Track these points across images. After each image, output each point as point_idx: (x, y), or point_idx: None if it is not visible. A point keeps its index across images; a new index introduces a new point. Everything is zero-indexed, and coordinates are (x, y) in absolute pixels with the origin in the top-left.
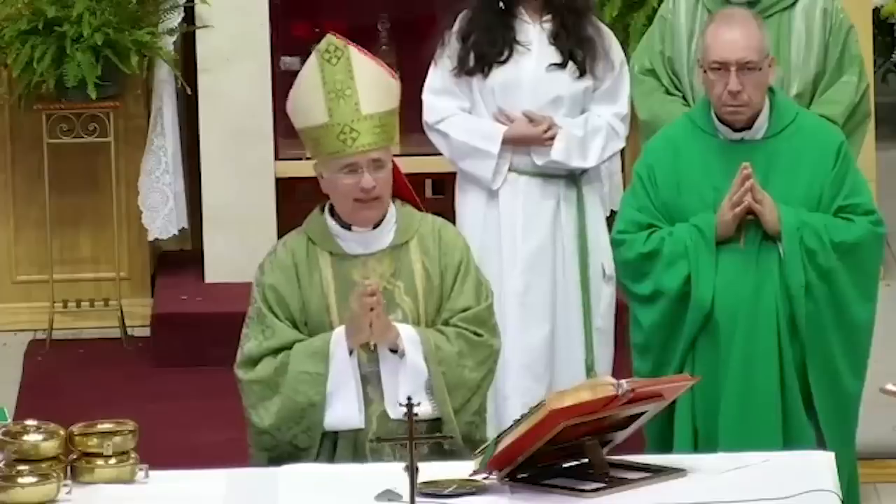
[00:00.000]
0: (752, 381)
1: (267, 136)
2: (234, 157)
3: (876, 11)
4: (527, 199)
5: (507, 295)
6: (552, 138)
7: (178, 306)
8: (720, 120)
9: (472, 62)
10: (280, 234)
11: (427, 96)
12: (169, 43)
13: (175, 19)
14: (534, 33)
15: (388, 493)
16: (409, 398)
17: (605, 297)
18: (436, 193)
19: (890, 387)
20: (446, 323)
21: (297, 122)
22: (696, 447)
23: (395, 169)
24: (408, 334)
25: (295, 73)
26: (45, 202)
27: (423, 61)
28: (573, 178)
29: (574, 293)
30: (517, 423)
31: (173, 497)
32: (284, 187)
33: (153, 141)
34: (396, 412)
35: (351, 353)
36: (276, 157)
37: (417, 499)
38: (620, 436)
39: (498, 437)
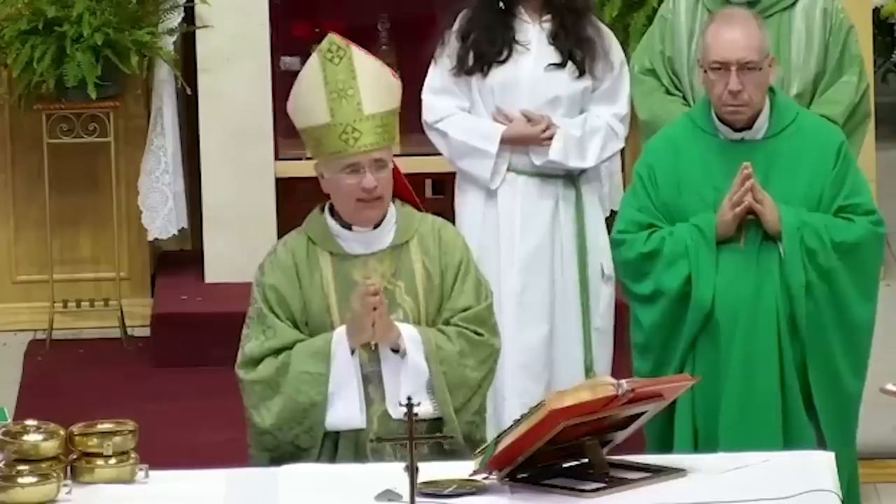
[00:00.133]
0: (752, 380)
1: (267, 136)
2: (234, 157)
3: (876, 11)
4: (525, 199)
5: (505, 295)
6: (550, 138)
7: (178, 306)
8: (720, 120)
9: (471, 61)
10: (280, 234)
11: (426, 95)
12: (169, 43)
13: (175, 19)
14: (533, 33)
15: (388, 493)
16: (409, 398)
17: (604, 298)
18: (436, 193)
19: (890, 387)
20: (447, 322)
21: (298, 122)
22: (697, 447)
23: (395, 169)
24: (409, 334)
25: (295, 73)
26: (45, 202)
27: (423, 61)
28: (571, 178)
29: (572, 293)
30: (517, 423)
31: (173, 497)
32: (284, 187)
33: (153, 141)
34: (398, 412)
35: (353, 352)
36: (276, 157)
37: (417, 499)
38: (620, 436)
39: (498, 437)
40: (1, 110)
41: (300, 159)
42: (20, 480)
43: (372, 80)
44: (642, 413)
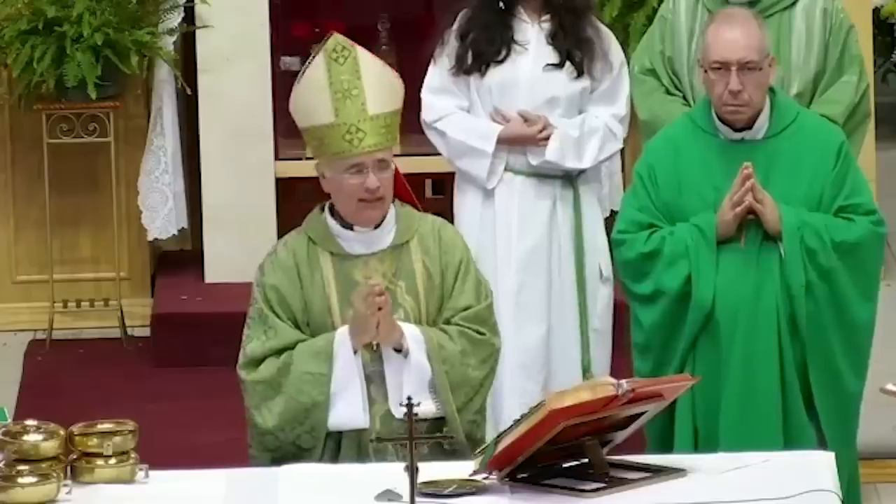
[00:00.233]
0: (752, 380)
1: (267, 136)
2: (234, 157)
3: (876, 11)
4: (522, 199)
5: (502, 294)
6: (547, 138)
7: (178, 306)
8: (721, 120)
9: (469, 61)
10: (280, 234)
11: (426, 95)
12: (169, 43)
13: (175, 19)
14: (532, 33)
15: (388, 493)
16: (409, 398)
17: (602, 298)
18: (436, 193)
19: (890, 387)
20: (448, 322)
21: (300, 121)
22: (697, 447)
23: (395, 169)
24: (411, 333)
25: (295, 73)
26: (45, 202)
27: (422, 61)
28: (569, 178)
29: (570, 293)
30: (517, 423)
31: (173, 497)
32: (284, 187)
33: (153, 141)
34: (400, 412)
35: (355, 352)
36: (276, 157)
37: (417, 499)
38: (620, 436)
39: (498, 437)
40: (1, 110)
41: (300, 159)
42: (20, 480)
43: (376, 81)
44: (642, 413)
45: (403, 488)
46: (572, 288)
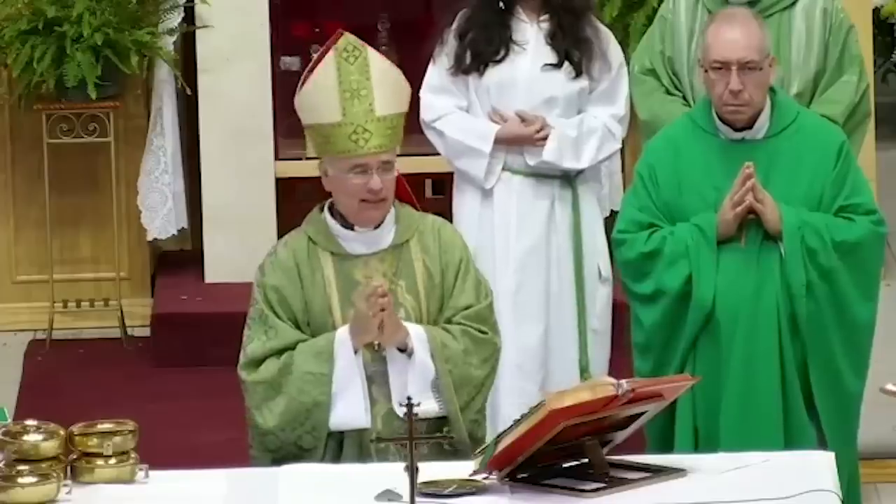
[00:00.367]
0: (753, 380)
1: (267, 136)
2: (234, 157)
3: (876, 11)
4: (521, 199)
5: (500, 294)
6: (544, 139)
7: (178, 306)
8: (721, 119)
9: (468, 61)
10: (280, 234)
11: (425, 94)
12: (169, 43)
13: (175, 19)
14: (531, 33)
15: (388, 493)
16: (409, 398)
17: (600, 299)
18: (436, 193)
19: (890, 387)
20: (449, 321)
21: (306, 119)
22: (697, 447)
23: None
24: (415, 332)
25: (295, 73)
26: (45, 202)
27: (422, 61)
28: (568, 178)
29: (568, 293)
30: (517, 423)
31: (173, 497)
32: (284, 187)
33: (153, 141)
34: (403, 411)
35: (356, 352)
36: (276, 157)
37: (417, 499)
38: (620, 436)
39: (498, 437)
40: (1, 110)
41: (300, 159)
42: (20, 480)
43: (385, 82)
44: (642, 413)
45: (403, 488)
46: (571, 288)
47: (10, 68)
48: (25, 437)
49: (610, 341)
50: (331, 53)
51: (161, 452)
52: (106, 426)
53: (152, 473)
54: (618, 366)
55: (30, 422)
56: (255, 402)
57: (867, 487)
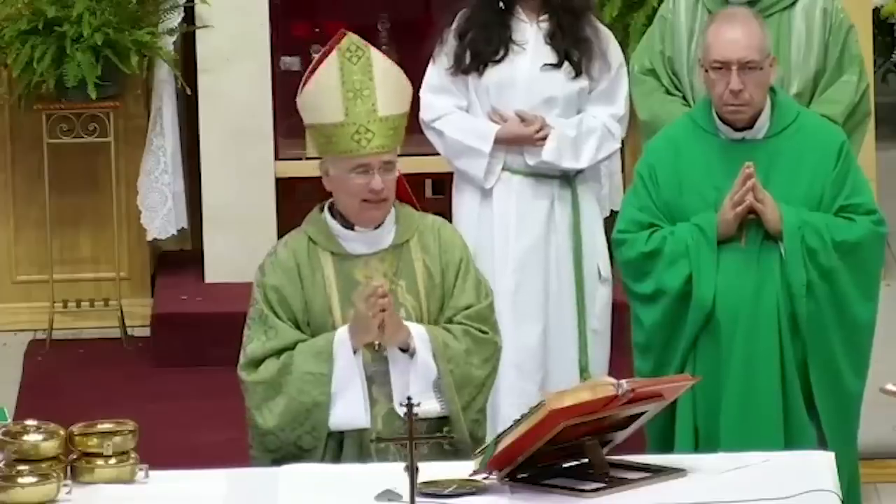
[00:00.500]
0: (753, 380)
1: (267, 136)
2: (234, 157)
3: (876, 11)
4: (520, 199)
5: (499, 294)
6: (544, 138)
7: (178, 306)
8: (721, 119)
9: (468, 60)
10: (280, 234)
11: (424, 94)
12: (169, 43)
13: (175, 19)
14: (530, 33)
15: (388, 493)
16: (409, 398)
17: (600, 299)
18: (436, 193)
19: (890, 387)
20: (450, 321)
21: (308, 119)
22: (698, 446)
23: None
24: (417, 332)
25: (295, 73)
26: (45, 202)
27: (422, 61)
28: (567, 178)
29: (568, 293)
30: (517, 423)
31: (173, 497)
32: (284, 187)
33: (152, 141)
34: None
35: (355, 352)
36: (276, 157)
37: (417, 499)
38: (620, 436)
39: (498, 437)
40: (1, 110)
41: (300, 159)
42: (20, 480)
43: (388, 83)
44: (642, 413)
45: (403, 488)
46: (570, 288)
47: (10, 68)
48: (25, 437)
49: (610, 341)
50: (334, 53)
51: (161, 452)
52: (106, 426)
53: (152, 473)
54: (618, 366)
55: (30, 422)
56: (254, 402)
57: (867, 487)
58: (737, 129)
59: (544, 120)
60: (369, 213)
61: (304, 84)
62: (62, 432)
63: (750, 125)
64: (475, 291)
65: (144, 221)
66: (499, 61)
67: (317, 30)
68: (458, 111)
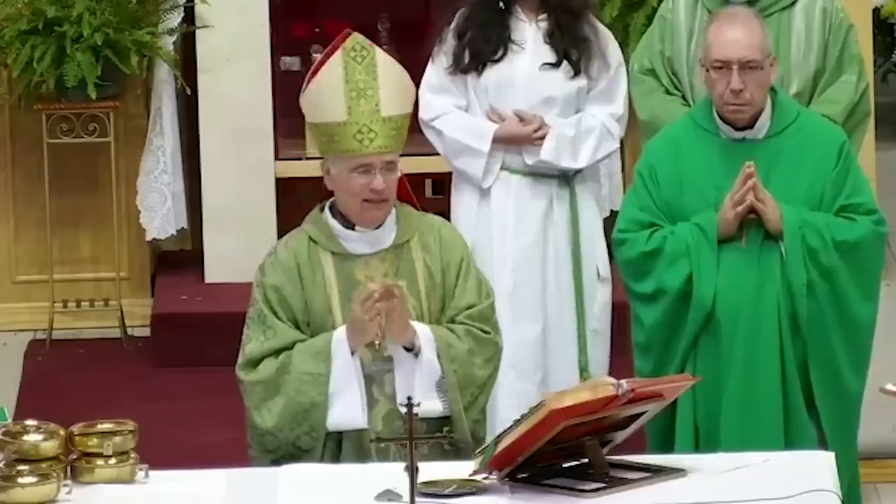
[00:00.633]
0: (753, 380)
1: (267, 136)
2: (234, 157)
3: (876, 11)
4: (518, 198)
5: (497, 293)
6: (542, 138)
7: (178, 306)
8: (722, 119)
9: (466, 60)
10: (280, 234)
11: (424, 93)
12: (169, 43)
13: (175, 19)
14: (529, 32)
15: (388, 493)
16: (409, 398)
17: (599, 299)
18: (436, 193)
19: (890, 387)
20: (452, 321)
21: (311, 117)
22: (698, 446)
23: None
24: (422, 332)
25: (295, 73)
26: (45, 202)
27: (422, 61)
28: (566, 178)
29: (567, 293)
30: (517, 423)
31: (173, 497)
32: (284, 187)
33: (152, 141)
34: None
35: (353, 353)
36: (276, 157)
37: (417, 499)
38: (620, 436)
39: (498, 437)
40: (1, 110)
41: (300, 159)
42: (20, 480)
43: (392, 83)
44: (642, 413)
45: (403, 488)
46: (569, 287)
47: (10, 68)
48: (25, 437)
49: (609, 341)
50: (338, 52)
51: (161, 452)
52: (106, 426)
53: (152, 473)
54: (618, 366)
55: (30, 422)
56: (253, 402)
57: (867, 487)
58: (737, 129)
59: (542, 119)
60: (370, 213)
61: (307, 82)
62: (62, 432)
63: (751, 125)
64: (476, 291)
65: (144, 221)
66: (498, 61)
67: (317, 30)
68: (456, 110)
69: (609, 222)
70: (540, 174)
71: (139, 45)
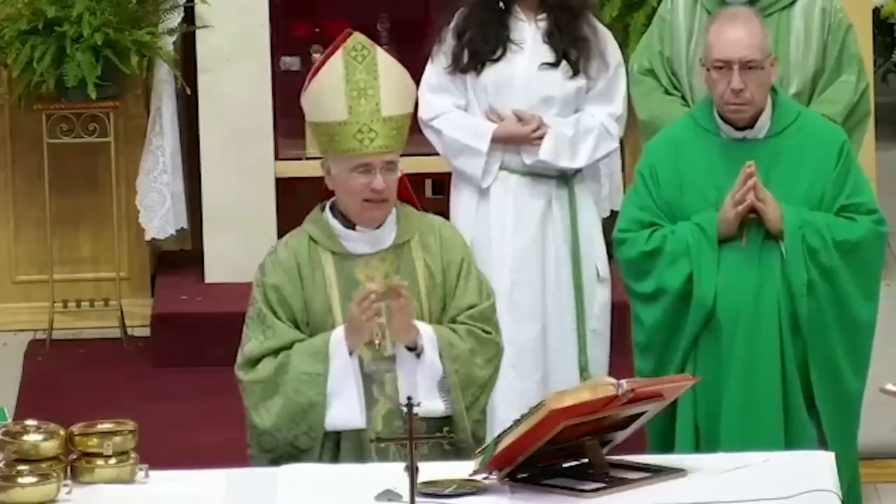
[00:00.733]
0: (753, 379)
1: (267, 136)
2: (234, 157)
3: (876, 11)
4: (517, 198)
5: (496, 293)
6: (541, 138)
7: (178, 306)
8: (723, 119)
9: (466, 59)
10: (280, 234)
11: (423, 93)
12: (169, 43)
13: (175, 19)
14: (528, 32)
15: (388, 493)
16: (409, 398)
17: (599, 298)
18: (436, 193)
19: (890, 387)
20: (453, 321)
21: (311, 116)
22: (698, 446)
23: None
24: (424, 331)
25: (295, 73)
26: (45, 202)
27: (422, 61)
28: (565, 178)
29: (566, 293)
30: (517, 423)
31: (173, 497)
32: (284, 187)
33: (151, 141)
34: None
35: (351, 353)
36: (276, 157)
37: (417, 499)
38: (620, 436)
39: (498, 437)
40: (1, 110)
41: (300, 159)
42: (20, 480)
43: (393, 83)
44: (642, 413)
45: (403, 488)
46: (568, 287)
47: (10, 68)
48: (25, 437)
49: (609, 341)
50: (339, 52)
51: (161, 452)
52: (106, 426)
53: (152, 473)
54: (618, 366)
55: (30, 422)
56: (251, 401)
57: (867, 487)
58: (738, 129)
59: (541, 119)
60: (370, 213)
61: (308, 81)
62: (62, 432)
63: (751, 124)
64: (478, 292)
65: (143, 221)
66: (496, 60)
67: (317, 30)
68: (456, 110)
69: (609, 222)
70: (538, 174)
71: (139, 45)
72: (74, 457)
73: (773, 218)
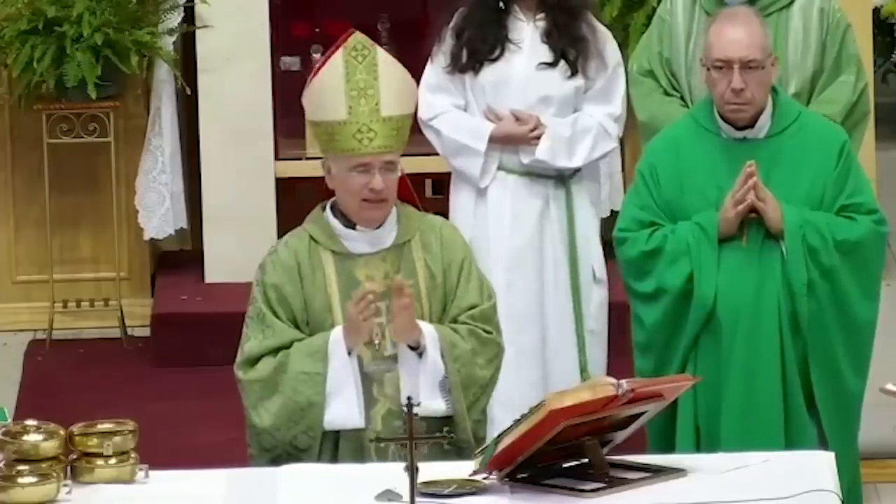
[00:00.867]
0: (754, 379)
1: (267, 136)
2: (234, 157)
3: (876, 11)
4: (515, 198)
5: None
6: (538, 137)
7: (178, 306)
8: (723, 118)
9: (464, 59)
10: (280, 234)
11: (423, 92)
12: (169, 43)
13: (175, 19)
14: (527, 31)
15: (388, 493)
16: (409, 398)
17: (595, 299)
18: (436, 193)
19: (890, 387)
20: (454, 321)
21: (312, 115)
22: (699, 446)
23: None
24: (427, 331)
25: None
26: (45, 202)
27: (422, 61)
28: (562, 178)
29: (563, 293)
30: (517, 423)
31: (173, 497)
32: (284, 187)
33: (151, 140)
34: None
35: (350, 353)
36: (276, 157)
37: (417, 499)
38: (620, 436)
39: (498, 437)
40: (1, 110)
41: (300, 159)
42: (20, 480)
43: (393, 83)
44: (642, 413)
45: (403, 488)
46: (565, 288)
47: (10, 68)
48: (25, 437)
49: (607, 341)
50: (339, 51)
51: (161, 452)
52: (106, 426)
53: (152, 473)
54: (617, 366)
55: (30, 422)
56: (251, 400)
57: (867, 487)
58: (738, 129)
59: (539, 119)
60: (369, 213)
61: (309, 81)
62: (62, 432)
63: (751, 124)
64: (479, 292)
65: (142, 221)
66: (495, 60)
67: (317, 30)
68: (454, 110)
69: (610, 222)
70: (536, 174)
71: (139, 45)
72: (74, 457)
73: (774, 217)
